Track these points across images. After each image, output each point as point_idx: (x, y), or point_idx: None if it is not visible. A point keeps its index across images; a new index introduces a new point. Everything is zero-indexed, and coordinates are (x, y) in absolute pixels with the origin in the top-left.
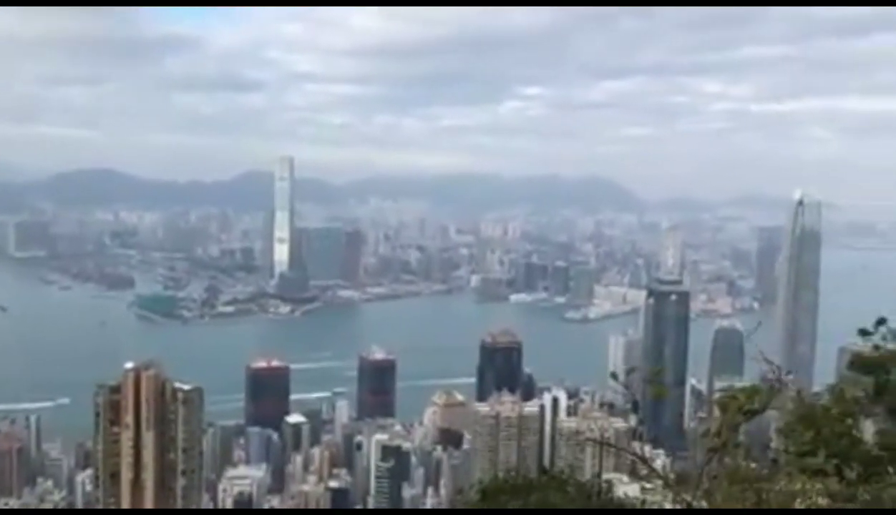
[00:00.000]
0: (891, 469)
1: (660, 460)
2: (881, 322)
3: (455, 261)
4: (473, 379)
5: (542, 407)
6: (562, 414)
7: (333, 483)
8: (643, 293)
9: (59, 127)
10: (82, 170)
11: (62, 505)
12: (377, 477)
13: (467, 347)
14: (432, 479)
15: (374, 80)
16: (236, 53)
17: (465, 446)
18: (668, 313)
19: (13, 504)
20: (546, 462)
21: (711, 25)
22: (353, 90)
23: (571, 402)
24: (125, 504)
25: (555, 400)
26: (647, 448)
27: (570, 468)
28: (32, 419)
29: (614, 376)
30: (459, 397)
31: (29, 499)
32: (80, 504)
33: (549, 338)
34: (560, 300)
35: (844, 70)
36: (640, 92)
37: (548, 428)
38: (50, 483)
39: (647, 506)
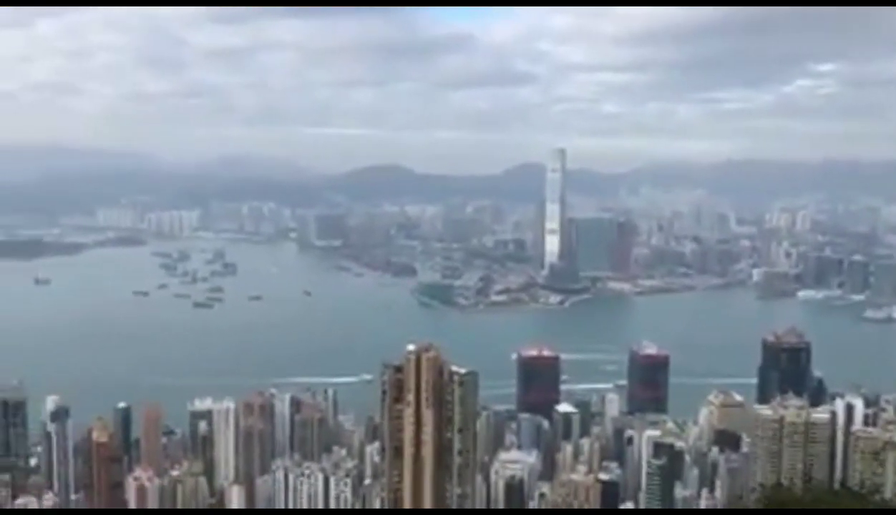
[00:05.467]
0: None
1: None
2: None
3: (735, 254)
4: (753, 380)
5: (833, 414)
6: (857, 424)
7: (603, 476)
8: None
9: (350, 127)
10: (371, 166)
11: (353, 474)
12: (648, 474)
13: (746, 346)
14: (707, 481)
15: (646, 67)
16: (508, 48)
17: (744, 449)
18: None
19: (313, 468)
20: (837, 474)
21: None
22: (625, 78)
23: (870, 411)
24: (407, 477)
25: (849, 408)
26: None
27: (869, 483)
28: (330, 392)
29: None
30: (738, 397)
31: (326, 465)
32: (368, 474)
33: (844, 340)
34: (857, 298)
35: None
36: None
37: (840, 437)
38: (344, 451)
39: None
